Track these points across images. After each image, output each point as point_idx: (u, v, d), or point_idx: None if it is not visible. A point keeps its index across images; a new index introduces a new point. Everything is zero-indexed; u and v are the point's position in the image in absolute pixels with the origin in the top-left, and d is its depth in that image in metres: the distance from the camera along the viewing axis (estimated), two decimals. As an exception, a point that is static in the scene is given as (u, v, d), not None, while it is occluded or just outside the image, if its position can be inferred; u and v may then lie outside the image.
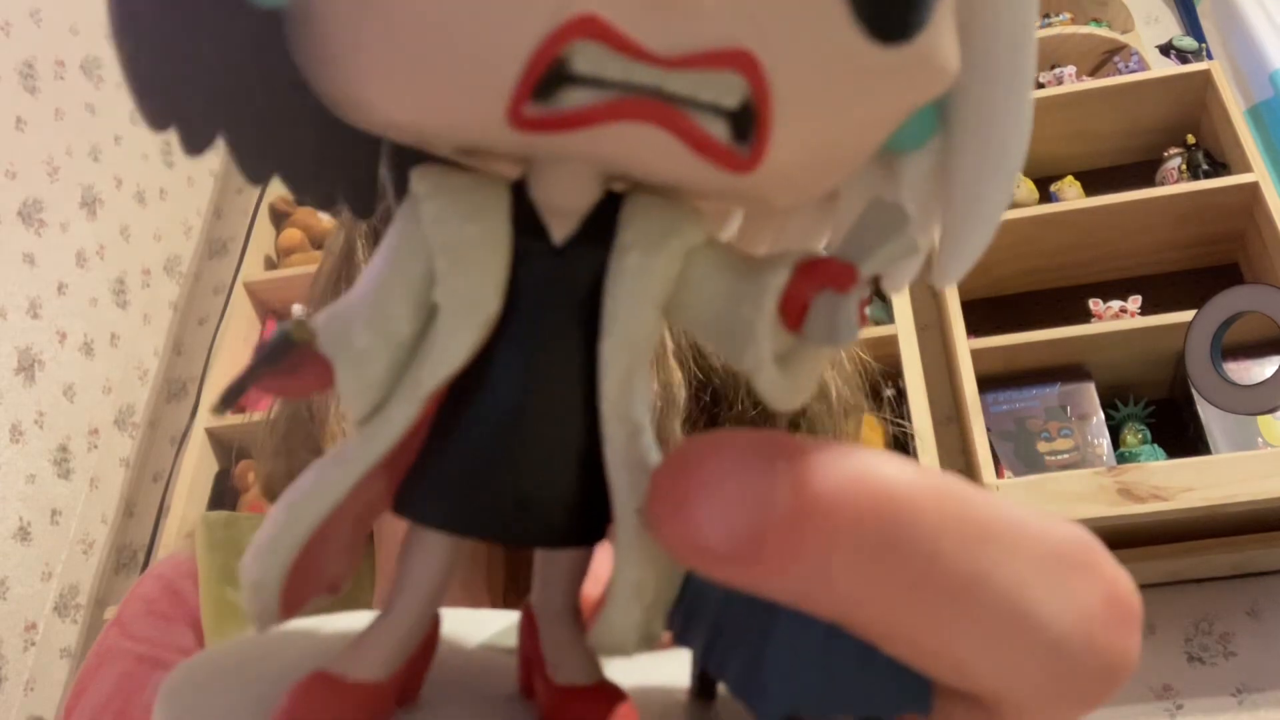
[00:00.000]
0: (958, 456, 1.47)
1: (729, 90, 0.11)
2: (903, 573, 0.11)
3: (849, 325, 0.11)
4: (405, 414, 0.12)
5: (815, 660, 0.12)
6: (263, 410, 0.48)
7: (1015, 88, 0.13)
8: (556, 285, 0.13)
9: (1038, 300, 1.61)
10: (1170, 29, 1.86)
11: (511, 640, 0.16)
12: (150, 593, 0.46)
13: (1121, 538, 1.29)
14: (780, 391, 0.12)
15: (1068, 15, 1.74)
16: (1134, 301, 1.46)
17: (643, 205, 0.13)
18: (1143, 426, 1.44)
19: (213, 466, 1.66)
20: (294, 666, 0.13)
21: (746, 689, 0.13)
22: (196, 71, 0.12)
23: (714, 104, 0.11)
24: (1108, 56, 1.71)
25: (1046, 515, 0.12)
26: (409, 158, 0.13)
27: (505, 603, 0.33)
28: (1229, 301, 1.22)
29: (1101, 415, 1.42)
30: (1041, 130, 1.58)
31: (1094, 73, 1.70)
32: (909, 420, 1.33)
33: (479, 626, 0.17)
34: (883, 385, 0.46)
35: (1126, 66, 1.66)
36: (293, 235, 1.86)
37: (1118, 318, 1.45)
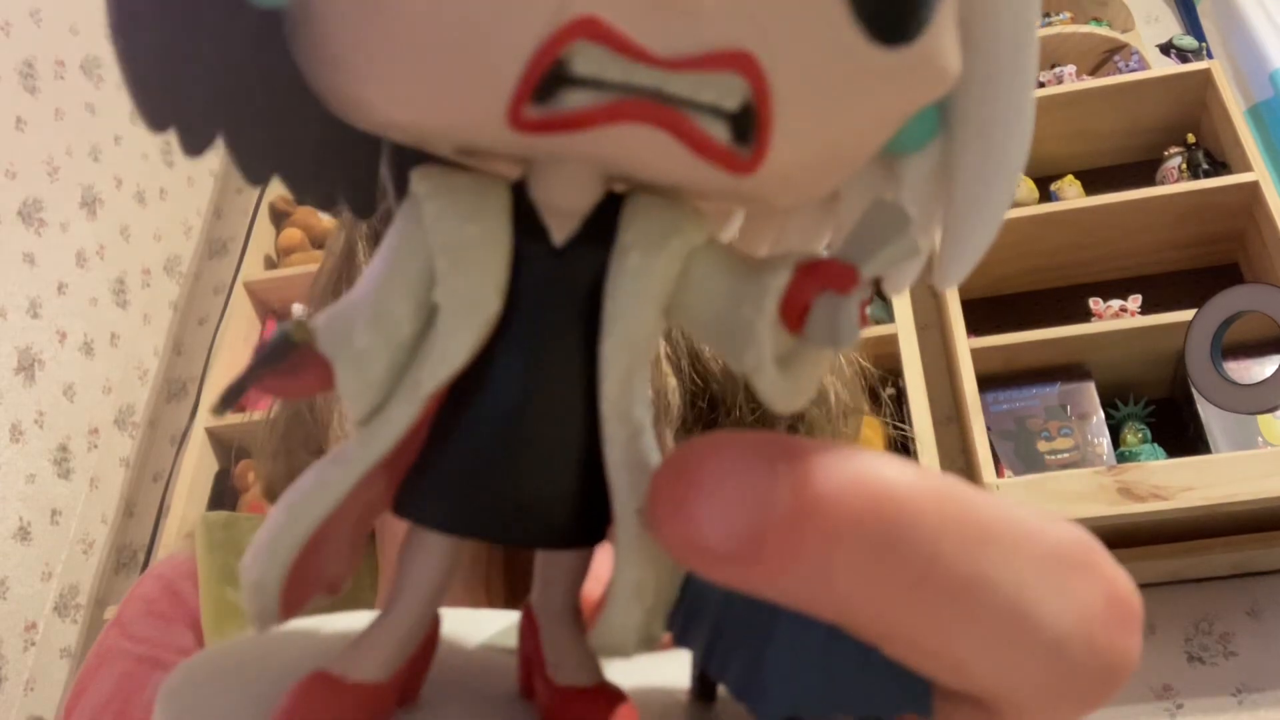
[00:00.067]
0: (958, 456, 1.47)
1: (729, 92, 0.11)
2: (903, 573, 0.11)
3: (850, 327, 0.11)
4: (405, 414, 0.12)
5: (816, 662, 0.12)
6: (263, 410, 0.48)
7: (1017, 89, 0.13)
8: (557, 286, 0.12)
9: (1038, 300, 1.61)
10: (1170, 28, 1.86)
11: (512, 640, 0.16)
12: (150, 593, 0.46)
13: (1121, 537, 1.29)
14: (781, 393, 0.12)
15: (1068, 14, 1.74)
16: (1134, 301, 1.46)
17: (644, 205, 0.13)
18: (1143, 426, 1.44)
19: (213, 466, 1.66)
20: (294, 667, 0.13)
21: (747, 690, 0.13)
22: (196, 72, 0.12)
23: (714, 105, 0.11)
24: (1108, 56, 1.71)
25: (1046, 516, 0.12)
26: (410, 158, 0.13)
27: (506, 603, 0.33)
28: (1229, 301, 1.22)
29: (1101, 415, 1.42)
30: (1041, 130, 1.57)
31: (1094, 72, 1.70)
32: (909, 419, 1.33)
33: (479, 626, 0.17)
34: (881, 388, 0.46)
35: (1126, 66, 1.66)
36: (293, 235, 1.86)
37: (1118, 317, 1.45)
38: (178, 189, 2.04)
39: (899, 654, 0.12)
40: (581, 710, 0.13)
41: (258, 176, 0.13)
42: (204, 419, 1.65)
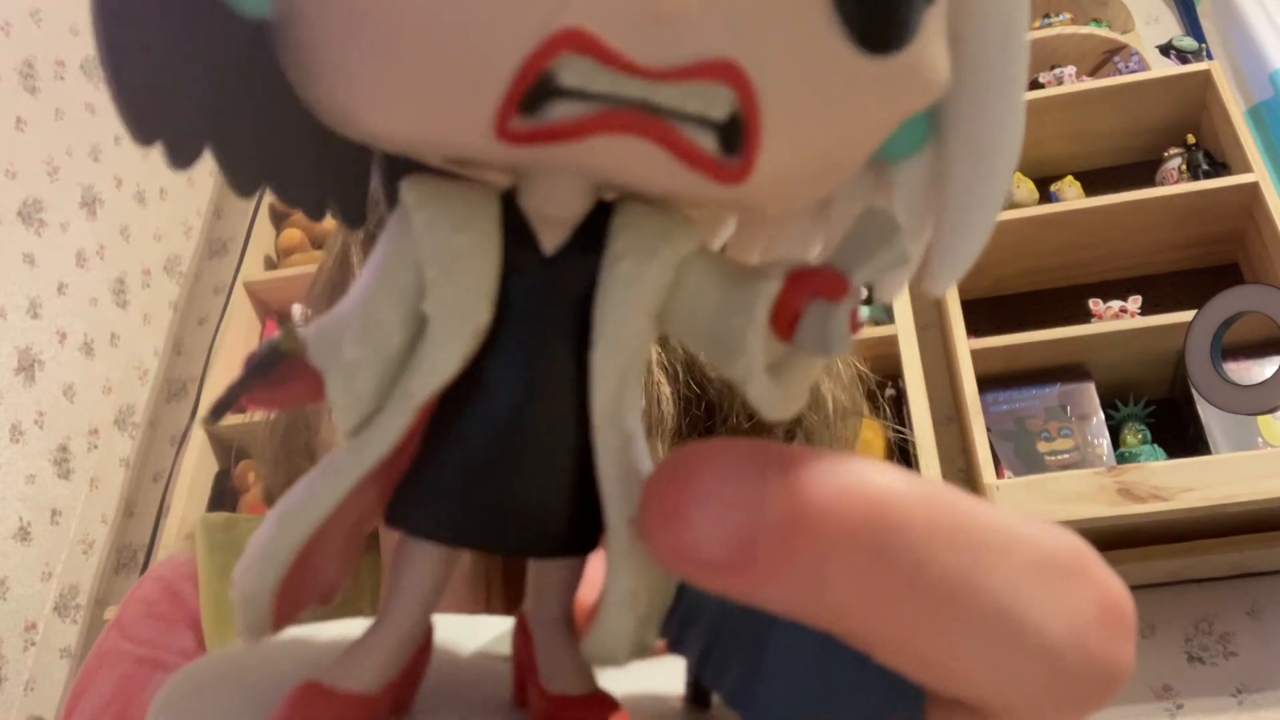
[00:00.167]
0: (957, 457, 1.47)
1: (717, 102, 0.11)
2: (894, 581, 0.11)
3: (841, 334, 0.11)
4: (396, 425, 0.12)
5: (809, 669, 0.12)
6: (263, 412, 0.48)
7: (1007, 95, 0.13)
8: (547, 295, 0.12)
9: (1038, 300, 1.61)
10: (1170, 29, 1.85)
11: (506, 648, 0.16)
12: (150, 594, 0.46)
13: (1121, 538, 1.29)
14: (772, 401, 0.12)
15: (1068, 15, 1.74)
16: (1134, 301, 1.46)
17: (634, 214, 0.13)
18: (1143, 426, 1.44)
19: (213, 466, 1.66)
20: (288, 676, 0.13)
21: (741, 699, 0.13)
22: (183, 84, 0.12)
23: (702, 116, 0.11)
24: (1108, 56, 1.71)
25: (1038, 522, 0.12)
26: (400, 167, 0.13)
27: (507, 609, 0.33)
28: (1229, 301, 1.22)
29: (1101, 415, 1.42)
30: (1041, 130, 1.58)
31: (1094, 73, 1.70)
32: (909, 420, 1.33)
33: (474, 634, 0.17)
34: (879, 392, 0.46)
35: (1126, 66, 1.66)
36: (293, 235, 1.86)
37: (1118, 318, 1.45)
38: (178, 189, 2.04)
39: (892, 661, 0.12)
40: (575, 719, 0.13)
41: (247, 187, 0.13)
42: (204, 419, 1.65)
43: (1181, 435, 1.43)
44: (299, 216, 1.88)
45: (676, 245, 0.13)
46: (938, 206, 0.14)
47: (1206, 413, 1.37)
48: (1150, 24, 1.86)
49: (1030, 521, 0.12)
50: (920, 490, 0.11)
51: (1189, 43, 1.74)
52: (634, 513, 0.12)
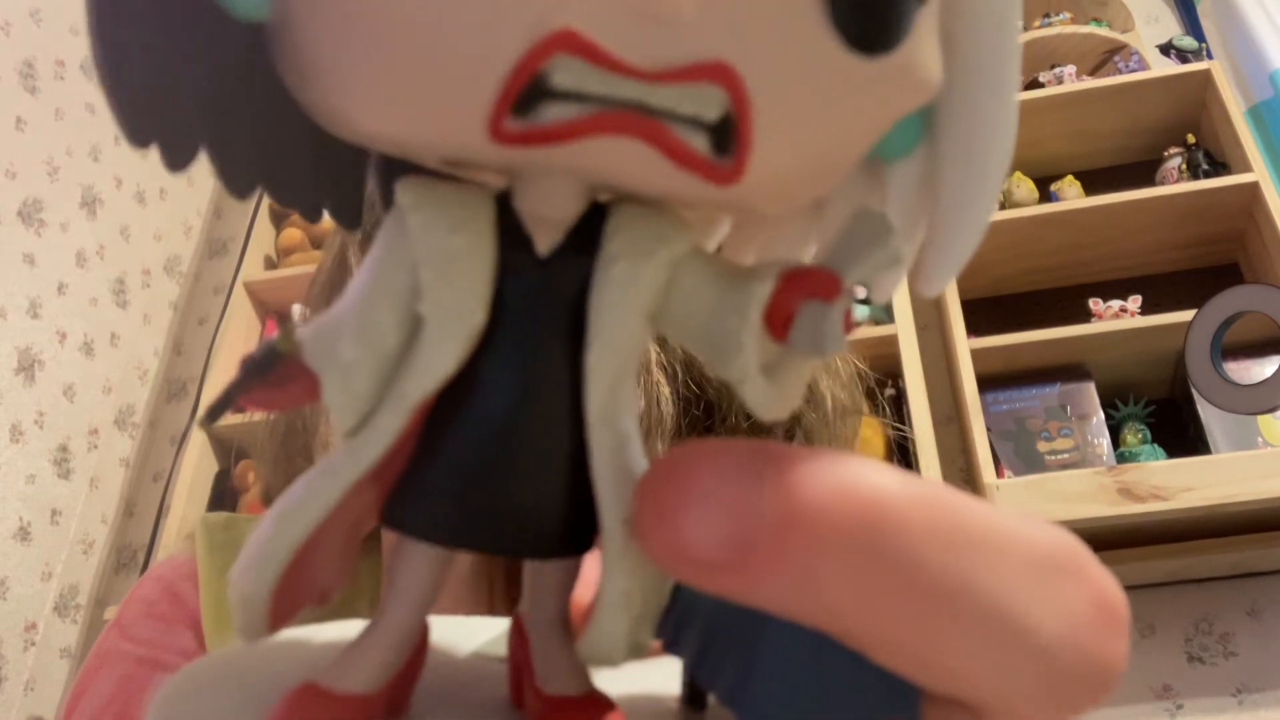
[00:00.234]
0: (957, 456, 1.47)
1: (709, 103, 0.11)
2: (890, 580, 0.11)
3: (834, 335, 0.11)
4: (392, 426, 0.12)
5: (805, 669, 0.12)
6: (263, 412, 0.48)
7: (999, 95, 0.13)
8: (542, 296, 0.12)
9: (1038, 300, 1.61)
10: (1170, 28, 1.85)
11: (502, 649, 0.16)
12: (150, 594, 0.46)
13: (1121, 538, 1.29)
14: (766, 401, 0.12)
15: (1068, 15, 1.74)
16: (1134, 301, 1.46)
17: (629, 215, 0.13)
18: (1143, 426, 1.44)
19: (213, 466, 1.66)
20: (285, 677, 0.13)
21: (737, 699, 0.13)
22: (179, 87, 0.12)
23: (694, 117, 0.11)
24: (1108, 56, 1.71)
25: (1033, 521, 0.12)
26: (396, 168, 0.13)
27: (508, 610, 0.33)
28: (1229, 301, 1.22)
29: (1101, 415, 1.42)
30: (1041, 130, 1.58)
31: (1094, 72, 1.70)
32: (909, 420, 1.33)
33: (470, 634, 0.17)
34: (878, 390, 0.46)
35: (1126, 66, 1.66)
36: (293, 235, 1.86)
37: (1118, 317, 1.45)
38: (178, 189, 2.04)
39: (887, 660, 0.12)
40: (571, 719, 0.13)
41: (243, 189, 0.13)
42: (201, 420, 1.65)
43: (1181, 435, 1.43)
44: (299, 216, 1.88)
45: (671, 246, 0.13)
46: (931, 206, 0.14)
47: (1206, 412, 1.37)
48: (1150, 23, 1.86)
49: (1025, 520, 0.12)
50: (916, 490, 0.11)
51: (1189, 42, 1.74)
52: (629, 513, 0.12)
